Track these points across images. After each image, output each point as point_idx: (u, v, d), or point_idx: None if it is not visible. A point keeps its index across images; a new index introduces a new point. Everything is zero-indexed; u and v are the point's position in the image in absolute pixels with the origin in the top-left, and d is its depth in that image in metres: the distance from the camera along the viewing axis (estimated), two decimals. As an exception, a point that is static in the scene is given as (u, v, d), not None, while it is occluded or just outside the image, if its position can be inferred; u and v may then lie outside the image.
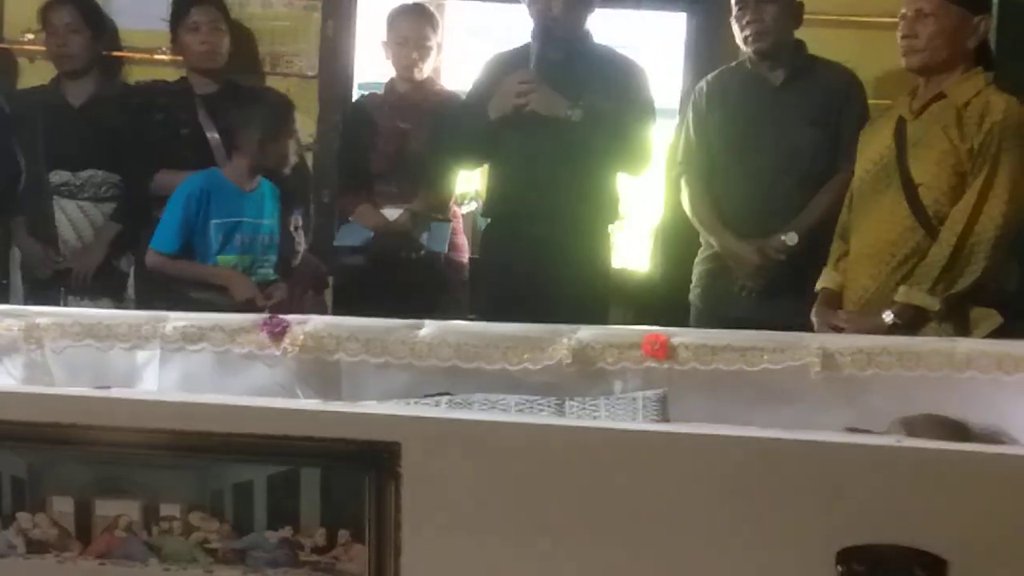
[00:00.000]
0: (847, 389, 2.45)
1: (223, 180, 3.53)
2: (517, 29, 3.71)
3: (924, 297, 2.94)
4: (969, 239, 2.92)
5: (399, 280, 3.78)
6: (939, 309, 2.93)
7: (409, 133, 3.85)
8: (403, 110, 3.89)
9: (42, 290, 3.88)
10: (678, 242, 3.81)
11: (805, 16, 3.51)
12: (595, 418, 2.27)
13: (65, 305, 3.81)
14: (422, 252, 3.80)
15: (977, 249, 2.92)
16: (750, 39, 3.43)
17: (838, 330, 3.04)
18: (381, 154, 3.87)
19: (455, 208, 4.03)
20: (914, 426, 2.15)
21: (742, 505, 1.71)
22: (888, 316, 2.97)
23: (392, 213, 3.82)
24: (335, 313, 3.86)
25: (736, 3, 3.44)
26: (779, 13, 3.41)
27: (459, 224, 3.97)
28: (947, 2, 3.00)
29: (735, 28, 3.47)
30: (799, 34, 3.52)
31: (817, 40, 3.57)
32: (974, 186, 2.94)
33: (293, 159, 3.62)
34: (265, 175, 3.58)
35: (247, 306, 3.27)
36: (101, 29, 4.08)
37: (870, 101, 3.53)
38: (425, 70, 3.89)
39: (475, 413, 2.19)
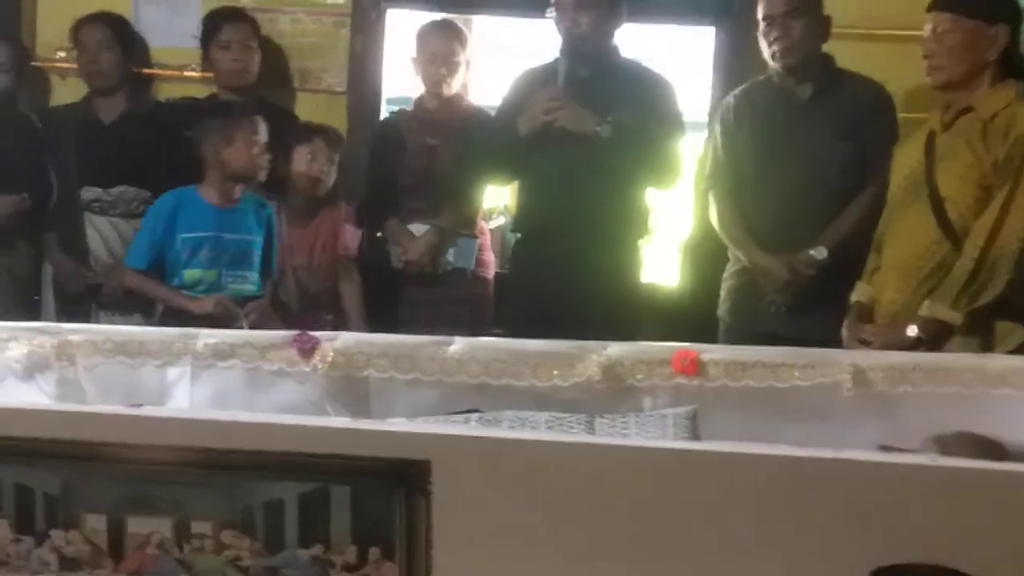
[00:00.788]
0: (879, 406, 2.43)
1: (194, 196, 3.59)
2: (548, 45, 3.70)
3: (947, 311, 2.91)
4: (992, 253, 2.89)
5: (425, 296, 3.80)
6: (962, 323, 2.91)
7: (437, 149, 3.86)
8: (432, 126, 3.90)
9: (73, 306, 3.92)
10: (707, 257, 3.80)
11: (837, 30, 3.49)
12: (625, 436, 2.26)
13: (96, 321, 3.85)
14: (448, 268, 3.81)
15: (1000, 263, 2.89)
16: (777, 55, 3.42)
17: (866, 344, 3.03)
18: (409, 169, 3.88)
19: (482, 224, 4.03)
20: (947, 444, 2.14)
21: (774, 524, 1.70)
22: (912, 330, 2.95)
23: (419, 229, 3.83)
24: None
25: (763, 18, 3.43)
26: (806, 28, 3.40)
27: (486, 240, 3.98)
28: (960, 16, 2.99)
29: (762, 44, 3.45)
30: (828, 47, 3.50)
31: (849, 54, 3.56)
32: (997, 199, 2.91)
33: (262, 165, 3.62)
34: (244, 185, 3.63)
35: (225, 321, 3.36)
36: (132, 46, 4.13)
37: (905, 115, 3.51)
38: (454, 86, 3.91)
39: (505, 431, 2.19)
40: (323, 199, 3.87)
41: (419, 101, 4.00)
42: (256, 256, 3.62)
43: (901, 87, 3.63)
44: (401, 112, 4.10)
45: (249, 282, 3.61)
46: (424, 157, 3.87)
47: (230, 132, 3.55)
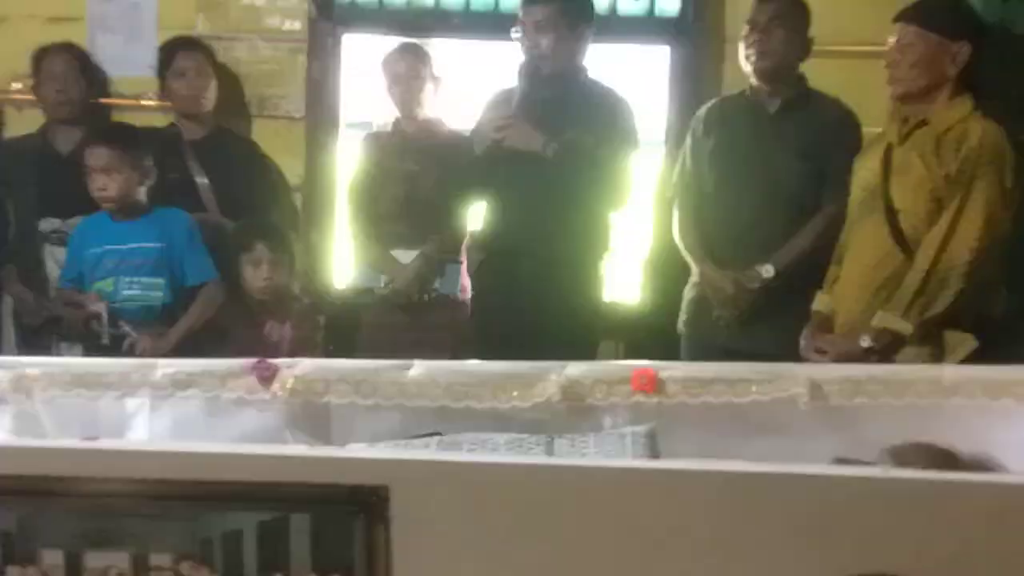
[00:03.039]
0: (836, 418, 2.45)
1: (102, 215, 3.68)
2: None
3: (898, 321, 2.95)
4: (942, 264, 2.93)
5: (405, 322, 3.79)
6: (913, 333, 2.94)
7: (419, 174, 3.85)
8: (412, 151, 3.89)
9: (34, 338, 3.88)
10: (669, 273, 3.82)
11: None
12: (584, 456, 2.26)
13: (58, 352, 3.82)
14: (435, 294, 3.81)
15: (951, 274, 2.93)
16: (753, 58, 3.44)
17: (821, 353, 3.07)
18: (391, 195, 3.87)
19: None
20: (903, 455, 2.15)
21: (734, 540, 1.71)
22: (865, 340, 2.98)
23: (403, 255, 3.82)
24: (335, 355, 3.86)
25: (748, 22, 3.45)
26: (787, 38, 3.43)
27: (466, 264, 3.97)
28: (923, 30, 3.04)
29: (741, 48, 3.47)
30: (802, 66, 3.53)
31: (817, 69, 3.58)
32: (948, 211, 2.95)
33: (143, 180, 3.65)
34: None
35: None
36: (93, 76, 4.12)
37: (870, 129, 3.54)
38: (426, 107, 3.90)
39: (463, 454, 2.19)
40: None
41: (396, 125, 3.99)
42: (163, 264, 3.63)
43: (870, 101, 3.65)
44: (379, 135, 4.09)
45: (156, 289, 3.62)
46: (406, 183, 3.86)
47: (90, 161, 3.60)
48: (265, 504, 1.77)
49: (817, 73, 3.57)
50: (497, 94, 3.75)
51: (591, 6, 3.71)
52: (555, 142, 3.48)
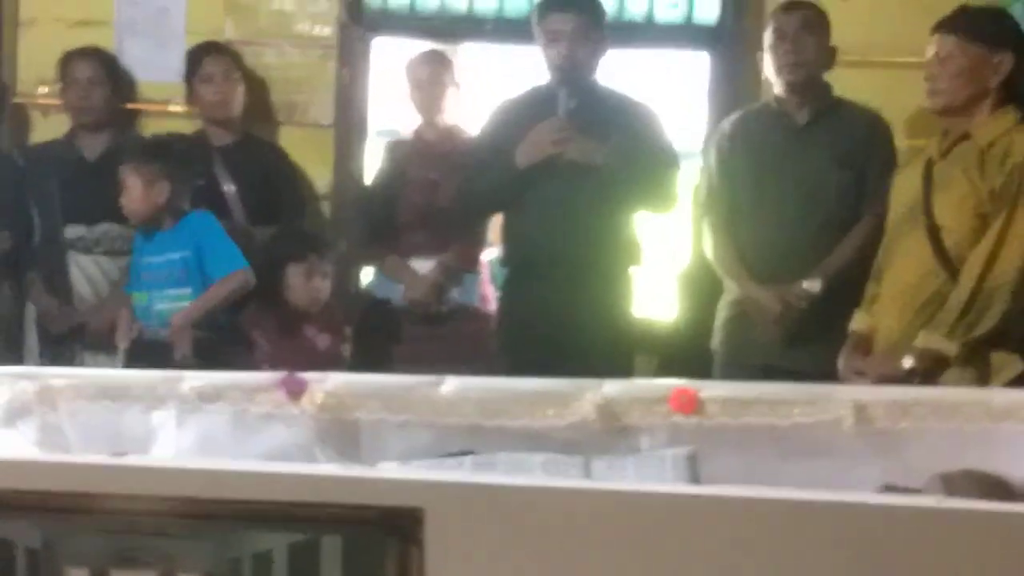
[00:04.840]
0: (881, 442, 2.38)
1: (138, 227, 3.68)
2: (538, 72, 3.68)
3: (942, 342, 2.88)
4: (987, 283, 2.86)
5: (428, 333, 3.76)
6: (958, 354, 2.87)
7: (439, 183, 3.82)
8: (433, 159, 3.87)
9: (57, 346, 3.86)
10: (703, 287, 3.76)
11: (840, 56, 3.49)
12: (623, 479, 2.21)
13: (81, 361, 3.80)
14: (453, 305, 3.78)
15: (997, 293, 2.86)
16: (784, 69, 3.40)
17: (860, 374, 3.01)
18: (410, 204, 3.84)
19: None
20: (953, 483, 2.10)
21: (778, 568, 1.66)
22: (908, 361, 2.92)
23: (421, 265, 3.78)
24: (355, 367, 3.82)
25: (774, 31, 3.42)
26: (816, 47, 3.41)
27: (485, 273, 3.93)
28: (963, 42, 2.98)
29: (768, 59, 3.43)
30: (829, 77, 3.50)
31: (846, 81, 3.55)
32: (993, 228, 2.89)
33: (175, 195, 3.61)
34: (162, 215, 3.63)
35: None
36: (120, 82, 4.10)
37: (907, 142, 3.50)
38: (448, 114, 3.88)
39: (499, 477, 2.14)
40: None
41: (418, 133, 3.97)
42: (190, 273, 3.59)
43: (900, 114, 3.61)
44: (400, 143, 4.06)
45: (184, 299, 3.58)
46: (426, 191, 3.83)
47: (124, 177, 3.58)
48: (296, 525, 1.73)
49: (841, 84, 3.53)
50: (512, 104, 3.72)
51: (605, 15, 3.69)
52: (612, 151, 3.43)
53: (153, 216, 3.60)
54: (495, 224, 3.90)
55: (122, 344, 3.60)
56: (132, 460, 1.92)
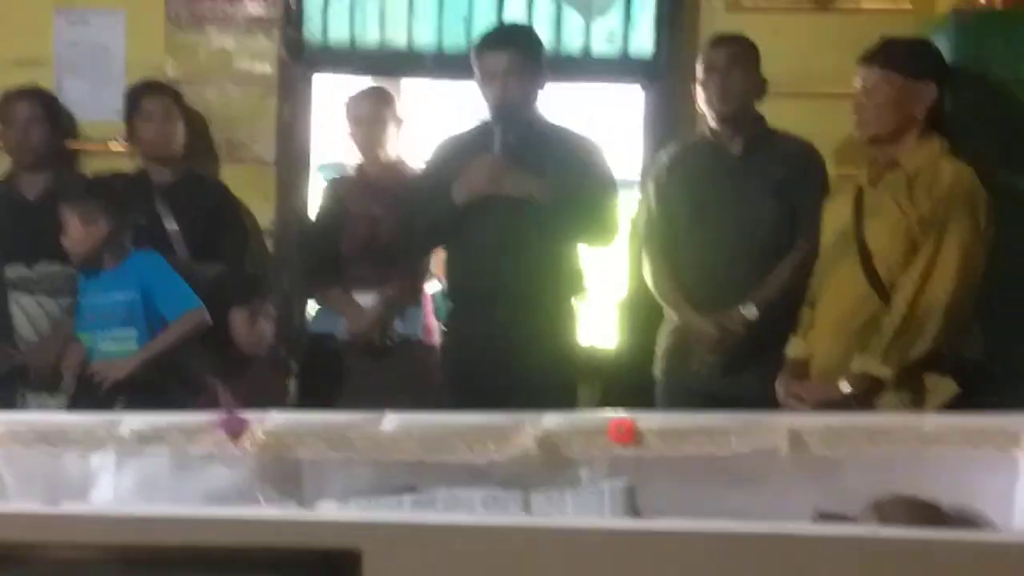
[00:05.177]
0: (817, 468, 2.41)
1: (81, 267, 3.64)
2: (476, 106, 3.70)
3: (877, 366, 2.92)
4: (919, 307, 2.91)
5: (373, 367, 3.74)
6: (892, 378, 2.92)
7: (380, 218, 3.82)
8: (374, 194, 3.86)
9: (-1, 387, 3.82)
10: (644, 316, 3.79)
11: (772, 88, 3.54)
12: (562, 513, 2.23)
13: (24, 401, 3.76)
14: (396, 338, 3.77)
15: (929, 317, 2.90)
16: (715, 101, 3.44)
17: (798, 399, 3.04)
18: (353, 239, 3.84)
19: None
20: (886, 509, 2.13)
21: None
22: (844, 386, 2.96)
23: (364, 298, 3.79)
24: (302, 402, 3.81)
25: (703, 66, 3.46)
26: (746, 79, 3.45)
27: (428, 306, 3.93)
28: (888, 73, 3.03)
29: (699, 92, 3.48)
30: (762, 108, 3.54)
31: (778, 112, 3.59)
32: (923, 254, 2.93)
33: (116, 235, 3.58)
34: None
35: None
36: (60, 121, 4.08)
37: (837, 171, 3.54)
38: (389, 150, 3.88)
39: (437, 516, 2.15)
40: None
41: (360, 168, 3.97)
42: (135, 314, 3.55)
43: (831, 142, 3.66)
44: (343, 179, 4.06)
45: (129, 341, 3.54)
46: (368, 226, 3.83)
47: (64, 216, 3.55)
48: (235, 568, 1.74)
49: (774, 115, 3.57)
50: (449, 141, 3.72)
51: (544, 50, 3.69)
52: (547, 185, 3.45)
53: (94, 255, 3.57)
54: (439, 257, 3.91)
55: (67, 375, 3.57)
56: (68, 508, 1.91)
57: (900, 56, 3.05)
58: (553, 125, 3.67)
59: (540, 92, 3.61)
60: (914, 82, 3.03)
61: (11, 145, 4.01)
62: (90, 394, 3.47)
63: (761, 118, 3.54)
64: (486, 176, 3.47)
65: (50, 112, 4.03)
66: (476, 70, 3.56)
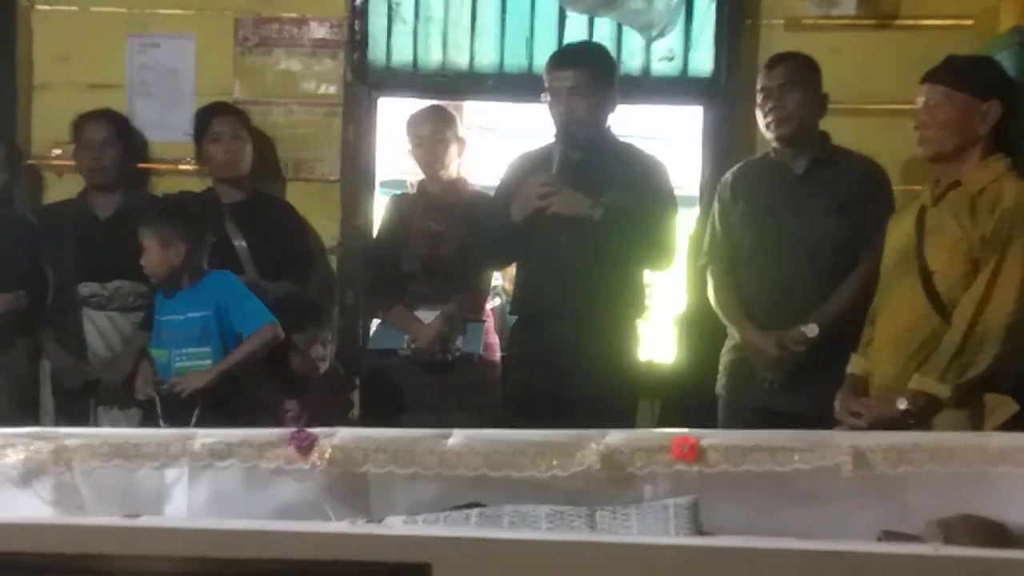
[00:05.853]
0: (880, 487, 2.42)
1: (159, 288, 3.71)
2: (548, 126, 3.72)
3: (935, 384, 2.91)
4: (979, 326, 2.89)
5: (434, 382, 3.78)
6: (951, 396, 2.90)
7: (442, 235, 3.87)
8: (436, 211, 3.91)
9: (72, 402, 3.90)
10: (704, 333, 3.80)
11: (832, 106, 3.53)
12: (627, 529, 2.24)
13: (95, 416, 3.85)
14: (457, 354, 3.80)
15: (988, 336, 2.89)
16: (772, 125, 3.46)
17: (856, 416, 3.03)
18: (414, 255, 3.89)
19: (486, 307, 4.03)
20: (951, 528, 2.12)
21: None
22: (902, 403, 2.94)
23: (426, 315, 3.83)
24: (364, 417, 3.86)
25: (760, 90, 3.48)
26: (802, 101, 3.45)
27: (491, 323, 3.96)
28: (953, 91, 3.02)
29: (759, 115, 3.49)
30: (825, 125, 3.54)
31: (842, 129, 3.59)
32: (984, 273, 2.92)
33: (194, 255, 3.64)
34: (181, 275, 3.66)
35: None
36: (131, 142, 4.18)
37: (902, 187, 3.53)
38: (450, 168, 3.93)
39: (505, 531, 2.17)
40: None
41: (421, 185, 4.02)
42: (209, 331, 3.61)
43: (898, 160, 3.65)
44: (404, 196, 4.12)
45: (204, 358, 3.60)
46: (429, 243, 3.88)
47: (143, 239, 3.62)
48: (306, 581, 1.76)
49: (837, 132, 3.57)
50: (524, 157, 3.75)
51: (617, 70, 3.72)
52: (600, 205, 3.46)
53: (172, 276, 3.64)
54: (509, 273, 3.93)
55: (141, 395, 3.63)
56: (144, 521, 1.96)
57: (964, 74, 3.04)
58: (620, 144, 3.68)
59: (610, 112, 3.62)
60: (978, 100, 3.01)
61: (85, 166, 4.11)
62: (167, 408, 3.53)
63: (825, 136, 3.54)
64: (538, 194, 3.50)
65: (121, 133, 4.13)
66: (545, 89, 3.58)
